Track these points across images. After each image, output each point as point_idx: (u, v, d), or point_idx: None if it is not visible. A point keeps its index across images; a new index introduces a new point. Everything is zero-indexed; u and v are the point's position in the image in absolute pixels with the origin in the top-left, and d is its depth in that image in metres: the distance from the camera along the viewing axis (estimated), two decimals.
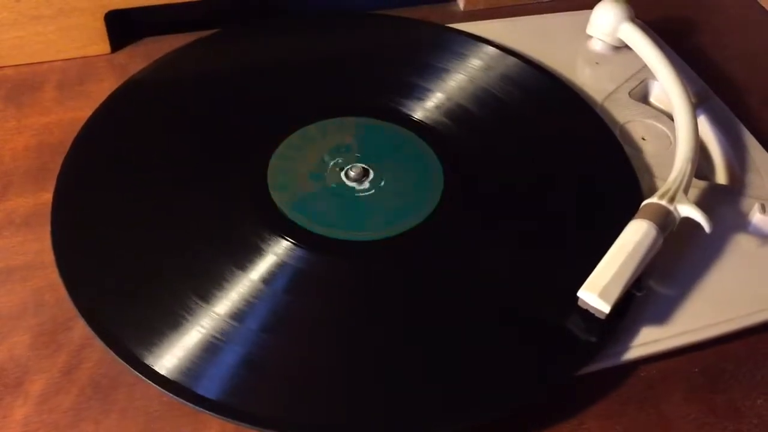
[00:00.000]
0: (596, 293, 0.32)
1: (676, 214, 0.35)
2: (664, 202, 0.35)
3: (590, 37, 0.50)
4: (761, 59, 0.53)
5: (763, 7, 0.58)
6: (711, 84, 0.48)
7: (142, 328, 0.32)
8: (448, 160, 0.40)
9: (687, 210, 0.35)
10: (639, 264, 0.33)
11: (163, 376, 0.30)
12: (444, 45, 0.47)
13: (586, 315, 0.33)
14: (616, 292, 0.32)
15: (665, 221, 0.34)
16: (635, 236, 0.34)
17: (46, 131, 0.43)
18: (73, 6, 0.46)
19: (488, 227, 0.38)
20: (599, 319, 0.33)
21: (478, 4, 0.55)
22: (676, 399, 0.33)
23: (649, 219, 0.34)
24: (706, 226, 0.35)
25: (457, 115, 0.43)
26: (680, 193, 0.36)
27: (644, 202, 0.36)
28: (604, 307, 0.32)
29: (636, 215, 0.35)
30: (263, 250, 0.35)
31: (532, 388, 0.31)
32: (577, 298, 0.33)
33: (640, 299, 0.35)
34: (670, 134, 0.43)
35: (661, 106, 0.46)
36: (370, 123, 0.42)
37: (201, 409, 0.29)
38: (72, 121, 0.41)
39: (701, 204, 0.37)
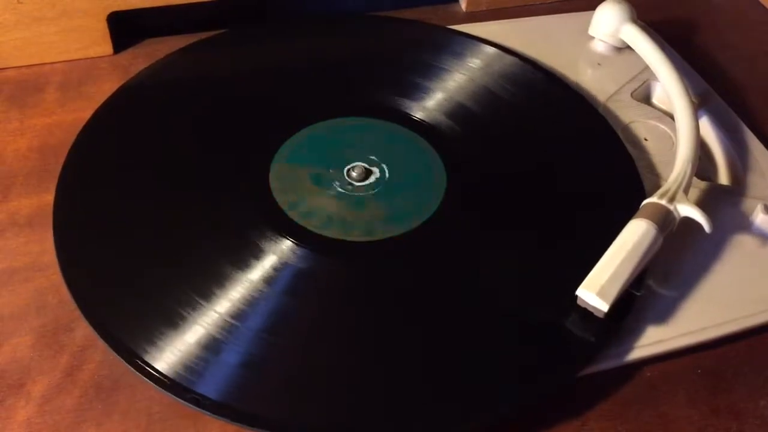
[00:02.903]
0: (595, 292, 0.32)
1: (675, 214, 0.35)
2: (663, 202, 0.35)
3: (592, 38, 0.50)
4: (764, 60, 0.53)
5: (765, 8, 0.58)
6: (714, 85, 0.48)
7: (144, 329, 0.32)
8: (450, 160, 0.40)
9: (687, 210, 0.35)
10: (638, 263, 0.33)
11: (164, 377, 0.30)
12: (446, 46, 0.47)
13: (586, 315, 0.33)
14: (614, 291, 0.32)
15: (665, 221, 0.34)
16: (634, 235, 0.34)
17: (49, 132, 0.43)
18: (75, 7, 0.46)
19: (490, 227, 0.38)
20: (599, 318, 0.33)
21: (480, 6, 0.55)
22: (679, 400, 0.33)
23: (649, 218, 0.34)
24: (705, 225, 0.35)
25: (460, 115, 0.43)
26: (680, 193, 0.36)
27: (644, 202, 0.36)
28: (602, 306, 0.32)
29: (636, 215, 0.35)
30: (265, 250, 0.35)
31: (532, 389, 0.31)
32: (576, 296, 0.33)
33: (643, 300, 0.35)
34: (672, 135, 0.43)
35: (664, 107, 0.46)
36: (372, 123, 0.42)
37: (202, 410, 0.29)
38: (74, 123, 0.41)
39: (703, 204, 0.37)
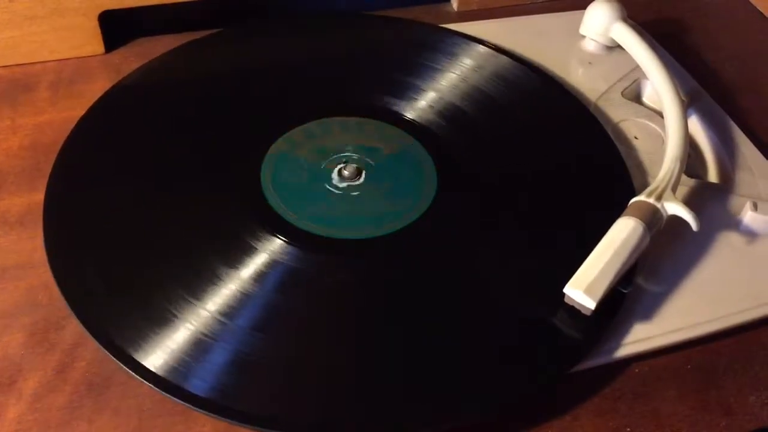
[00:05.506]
0: (582, 289, 0.32)
1: (663, 212, 0.35)
2: (651, 200, 0.35)
3: (583, 37, 0.50)
4: (754, 59, 0.54)
5: (755, 8, 0.59)
6: (703, 84, 0.48)
7: (135, 326, 0.32)
8: (441, 159, 0.40)
9: (674, 208, 0.35)
10: (625, 261, 0.33)
11: (155, 373, 0.30)
12: (437, 45, 0.47)
13: (575, 312, 0.33)
14: (601, 289, 0.32)
15: (652, 219, 0.35)
16: (622, 233, 0.34)
17: (40, 131, 0.43)
18: (67, 6, 0.46)
19: (480, 226, 0.38)
20: (587, 316, 0.33)
21: (472, 5, 0.55)
22: (669, 396, 0.33)
23: (636, 216, 0.34)
24: (693, 224, 0.35)
25: (451, 114, 0.43)
26: (668, 191, 0.36)
27: (632, 200, 0.36)
28: (590, 303, 0.32)
29: (623, 213, 0.35)
30: (255, 249, 0.35)
31: (522, 386, 0.31)
32: (564, 294, 0.33)
33: (633, 297, 0.35)
34: (662, 133, 0.44)
35: (654, 106, 0.46)
36: (363, 122, 0.42)
37: (193, 406, 0.29)
38: (66, 121, 0.41)
39: (692, 202, 0.37)
